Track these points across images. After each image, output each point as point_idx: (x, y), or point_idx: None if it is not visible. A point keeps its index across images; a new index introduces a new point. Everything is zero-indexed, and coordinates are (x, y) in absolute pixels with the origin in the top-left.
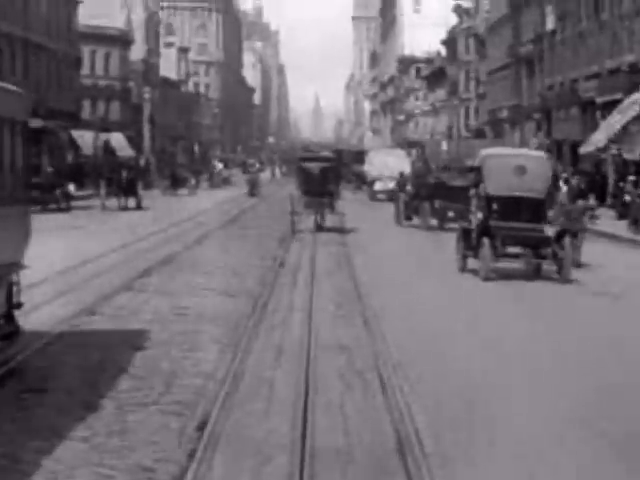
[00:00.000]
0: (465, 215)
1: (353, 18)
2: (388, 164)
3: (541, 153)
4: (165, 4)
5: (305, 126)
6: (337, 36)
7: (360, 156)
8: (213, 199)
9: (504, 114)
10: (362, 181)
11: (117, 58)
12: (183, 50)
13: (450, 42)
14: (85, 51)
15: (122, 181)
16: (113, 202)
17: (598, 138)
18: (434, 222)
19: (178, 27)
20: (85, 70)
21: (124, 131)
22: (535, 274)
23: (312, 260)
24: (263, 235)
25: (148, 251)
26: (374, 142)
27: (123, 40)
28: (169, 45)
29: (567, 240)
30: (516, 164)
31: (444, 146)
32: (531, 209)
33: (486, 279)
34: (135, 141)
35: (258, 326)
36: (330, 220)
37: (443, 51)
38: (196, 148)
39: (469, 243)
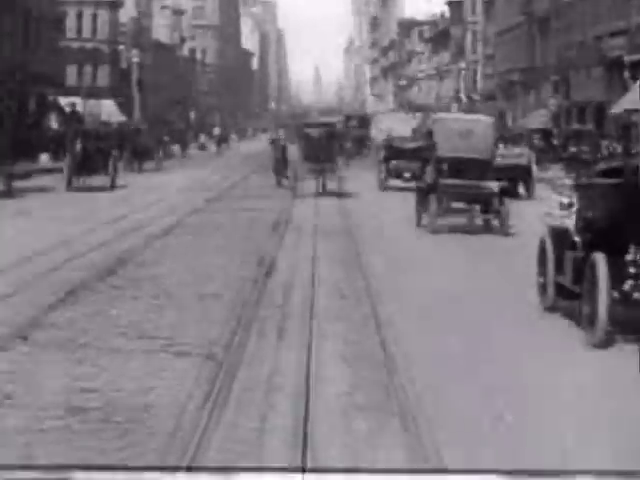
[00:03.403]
0: (419, 175)
1: None
2: (396, 128)
3: (485, 117)
4: None
5: (306, 92)
6: (336, 2)
7: (364, 121)
8: (193, 175)
9: (516, 76)
10: (363, 146)
11: (106, 20)
12: (178, 13)
13: (455, 2)
14: (70, 12)
15: (77, 154)
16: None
17: (632, 98)
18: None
19: None
20: (71, 33)
21: (115, 97)
22: (485, 228)
23: (313, 261)
24: (244, 227)
25: (76, 258)
26: (376, 107)
27: (111, 0)
28: (164, 8)
29: (507, 198)
30: (462, 127)
31: (453, 110)
32: (476, 169)
33: (433, 232)
34: (126, 107)
35: (209, 439)
36: (330, 184)
37: (447, 12)
38: (192, 114)
39: (422, 200)
